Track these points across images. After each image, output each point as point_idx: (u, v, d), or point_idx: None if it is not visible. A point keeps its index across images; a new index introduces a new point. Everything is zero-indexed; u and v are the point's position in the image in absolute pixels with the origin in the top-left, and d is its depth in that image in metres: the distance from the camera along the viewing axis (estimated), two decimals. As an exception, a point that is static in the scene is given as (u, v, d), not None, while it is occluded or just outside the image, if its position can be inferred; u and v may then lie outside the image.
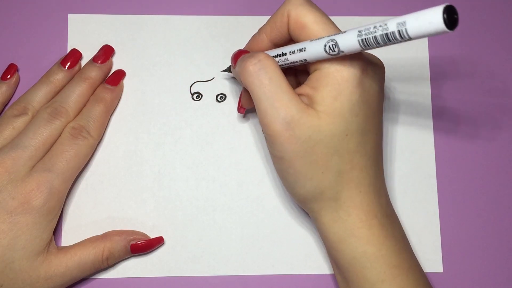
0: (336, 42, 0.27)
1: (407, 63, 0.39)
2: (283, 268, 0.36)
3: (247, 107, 0.36)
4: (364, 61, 0.30)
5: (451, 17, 0.23)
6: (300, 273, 0.36)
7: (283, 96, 0.29)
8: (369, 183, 0.31)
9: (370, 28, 0.26)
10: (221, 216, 0.37)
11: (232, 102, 0.38)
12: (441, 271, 0.37)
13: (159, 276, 0.36)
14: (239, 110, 0.37)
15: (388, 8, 0.40)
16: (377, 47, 0.26)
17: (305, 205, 0.32)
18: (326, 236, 0.32)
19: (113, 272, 0.36)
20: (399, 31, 0.24)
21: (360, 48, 0.27)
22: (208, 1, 0.40)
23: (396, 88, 0.39)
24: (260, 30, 0.33)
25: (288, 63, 0.31)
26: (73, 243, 0.35)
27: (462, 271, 0.37)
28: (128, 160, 0.37)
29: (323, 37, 0.28)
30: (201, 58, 0.39)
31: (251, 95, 0.30)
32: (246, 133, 0.38)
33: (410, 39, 0.24)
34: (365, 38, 0.26)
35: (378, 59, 0.33)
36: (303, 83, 0.31)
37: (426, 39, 0.40)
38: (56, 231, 0.36)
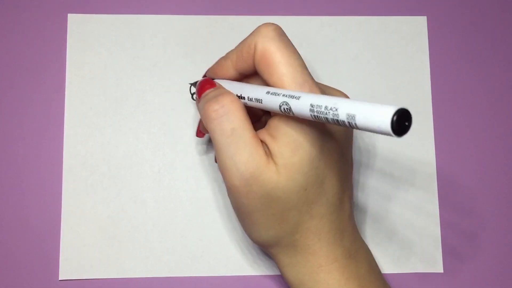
0: (290, 107, 0.25)
1: (407, 63, 0.39)
2: (283, 268, 0.36)
3: (207, 133, 0.34)
4: None
5: (401, 124, 0.21)
6: (300, 273, 0.36)
7: (245, 150, 0.27)
8: (328, 230, 0.30)
9: (321, 107, 0.24)
10: (221, 216, 0.37)
11: (232, 102, 0.38)
12: (441, 271, 0.37)
13: (159, 276, 0.36)
14: (197, 134, 0.35)
15: (388, 8, 0.40)
16: (328, 123, 0.25)
17: (263, 249, 0.32)
18: (287, 278, 0.31)
19: (113, 272, 0.36)
20: (348, 122, 0.23)
21: (311, 118, 0.25)
22: (208, 1, 0.40)
23: (396, 87, 0.39)
24: (226, 55, 0.31)
25: (246, 103, 0.29)
26: (72, 244, 0.35)
27: (462, 271, 0.37)
28: (128, 160, 0.37)
29: (279, 94, 0.26)
30: (201, 58, 0.39)
31: (212, 141, 0.29)
32: (246, 133, 0.38)
33: (357, 129, 0.23)
34: (316, 115, 0.24)
35: (340, 93, 0.31)
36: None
37: (426, 38, 0.40)
38: (55, 231, 0.36)
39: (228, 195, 0.30)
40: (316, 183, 0.28)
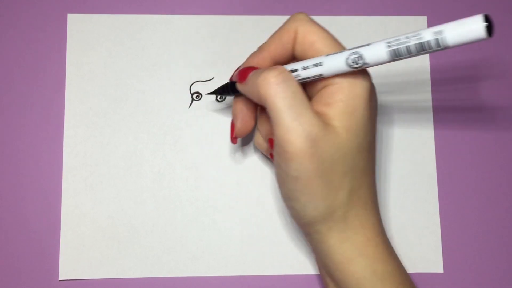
0: (361, 55, 0.27)
1: (408, 62, 0.39)
2: (283, 268, 0.36)
3: (243, 135, 0.34)
4: (370, 76, 0.30)
5: (490, 25, 0.24)
6: (300, 274, 0.36)
7: (308, 112, 0.28)
8: (373, 200, 0.31)
9: (400, 39, 0.26)
10: (221, 216, 0.37)
11: (232, 102, 0.38)
12: (442, 271, 0.37)
13: (159, 276, 0.36)
14: (232, 140, 0.35)
15: (388, 8, 0.40)
16: (406, 57, 0.26)
17: (312, 227, 0.31)
18: (331, 257, 0.30)
19: (113, 272, 0.36)
20: (436, 39, 0.25)
21: (388, 60, 0.27)
22: (208, 1, 0.40)
23: (396, 87, 0.39)
24: (260, 48, 0.32)
25: (299, 79, 0.30)
26: (72, 244, 0.35)
27: (462, 271, 0.37)
28: (128, 160, 0.37)
29: (343, 51, 0.28)
30: (201, 58, 0.39)
31: (269, 110, 0.29)
32: (246, 133, 0.38)
33: (447, 47, 0.25)
34: (396, 49, 0.26)
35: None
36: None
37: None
38: (55, 231, 0.36)
39: (286, 165, 0.29)
40: (367, 149, 0.30)
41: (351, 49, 0.28)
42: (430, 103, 0.39)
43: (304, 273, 0.36)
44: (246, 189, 0.37)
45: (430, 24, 0.40)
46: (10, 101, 0.38)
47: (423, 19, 0.40)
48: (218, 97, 0.38)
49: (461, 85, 0.39)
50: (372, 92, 0.30)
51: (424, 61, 0.39)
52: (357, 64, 0.27)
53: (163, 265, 0.36)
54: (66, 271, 0.36)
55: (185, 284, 0.36)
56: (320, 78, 0.29)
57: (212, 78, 0.38)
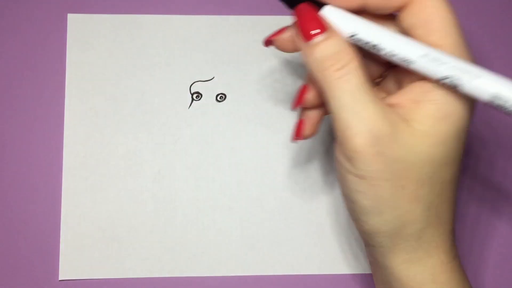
0: (460, 86, 0.23)
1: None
2: (283, 268, 0.36)
3: (308, 138, 0.29)
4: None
5: None
6: (300, 274, 0.36)
7: (375, 106, 0.24)
8: (451, 220, 0.27)
9: (508, 102, 0.21)
10: (221, 216, 0.37)
11: (232, 102, 0.38)
12: (441, 271, 0.37)
13: (159, 276, 0.36)
14: (297, 135, 0.30)
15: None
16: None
17: (375, 238, 0.26)
18: (398, 279, 0.26)
19: (113, 272, 0.36)
20: None
21: (484, 103, 0.23)
22: (208, 1, 0.40)
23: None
24: None
25: (379, 55, 0.25)
26: (72, 244, 0.35)
27: (462, 271, 0.37)
28: (128, 160, 0.37)
29: (447, 63, 0.23)
30: (201, 58, 0.39)
31: (327, 98, 0.25)
32: (246, 133, 0.38)
33: None
34: (497, 105, 0.22)
35: None
36: (388, 75, 0.26)
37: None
38: (54, 232, 0.36)
39: (347, 164, 0.25)
40: (455, 161, 0.25)
41: (457, 67, 0.23)
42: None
43: (304, 273, 0.36)
44: (246, 189, 0.37)
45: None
46: (10, 101, 0.38)
47: (423, 19, 0.40)
48: (218, 97, 0.38)
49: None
50: (472, 102, 0.25)
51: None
52: (452, 87, 0.23)
53: (163, 265, 0.36)
54: (66, 271, 0.36)
55: (185, 284, 0.36)
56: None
57: (212, 78, 0.38)
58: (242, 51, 0.38)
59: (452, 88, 0.23)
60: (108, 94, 0.38)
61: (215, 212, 0.37)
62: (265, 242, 0.37)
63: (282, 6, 0.40)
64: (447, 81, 0.23)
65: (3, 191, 0.37)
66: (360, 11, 0.26)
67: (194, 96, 0.38)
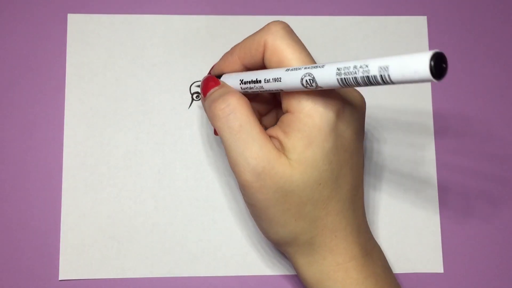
0: (314, 78, 0.25)
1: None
2: (282, 268, 0.36)
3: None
4: (340, 104, 0.28)
5: (439, 66, 0.21)
6: (300, 273, 0.36)
7: (254, 144, 0.28)
8: (345, 227, 0.30)
9: (350, 67, 0.24)
10: (221, 216, 0.37)
11: (232, 102, 0.38)
12: (442, 271, 0.37)
13: (159, 276, 0.36)
14: (215, 132, 0.34)
15: (388, 8, 0.40)
16: (357, 86, 0.24)
17: (280, 248, 0.32)
18: (304, 277, 0.31)
19: (113, 272, 0.36)
20: (381, 75, 0.22)
21: (338, 86, 0.25)
22: (208, 1, 0.40)
23: (396, 87, 0.39)
24: (232, 50, 0.31)
25: (263, 91, 0.29)
26: (72, 244, 0.35)
27: (462, 271, 0.37)
28: (128, 160, 0.37)
29: (300, 68, 0.26)
30: (201, 58, 0.39)
31: (221, 139, 0.29)
32: (246, 133, 0.38)
33: (392, 83, 0.22)
34: (344, 78, 0.24)
35: (358, 94, 0.31)
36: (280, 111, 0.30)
37: (426, 38, 0.40)
38: (54, 232, 0.36)
39: (242, 193, 0.30)
40: (331, 179, 0.29)
41: (308, 67, 0.26)
42: (430, 103, 0.39)
43: (304, 273, 0.36)
44: (246, 189, 0.37)
45: (430, 24, 0.40)
46: (10, 101, 0.38)
47: (423, 19, 0.40)
48: (194, 96, 0.38)
49: (461, 86, 0.39)
50: (337, 123, 0.28)
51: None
52: (311, 86, 0.26)
53: (163, 265, 0.36)
54: (66, 271, 0.36)
55: (185, 284, 0.36)
56: (286, 92, 0.28)
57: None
58: (242, 51, 0.38)
59: (310, 85, 0.26)
60: (108, 94, 0.38)
61: (215, 212, 0.37)
62: (265, 242, 0.37)
63: (282, 6, 0.40)
64: (305, 79, 0.26)
65: (3, 191, 0.37)
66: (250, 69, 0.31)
67: (194, 96, 0.38)
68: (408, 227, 0.37)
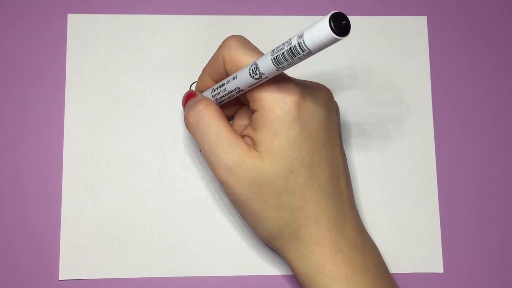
0: (257, 65, 0.28)
1: (407, 62, 0.39)
2: (283, 268, 0.36)
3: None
4: (299, 95, 0.29)
5: (339, 24, 0.23)
6: (300, 273, 0.36)
7: (223, 143, 0.30)
8: (328, 217, 0.31)
9: (279, 46, 0.26)
10: (221, 216, 0.37)
11: (232, 102, 0.38)
12: (442, 271, 0.37)
13: (159, 276, 0.36)
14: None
15: (388, 8, 0.40)
16: (288, 65, 0.26)
17: (270, 243, 0.33)
18: (297, 274, 0.32)
19: (113, 272, 0.36)
20: (299, 43, 0.24)
21: (275, 68, 0.27)
22: (208, 1, 0.40)
23: (396, 87, 0.39)
24: (203, 71, 0.34)
25: (228, 94, 0.31)
26: (72, 244, 0.35)
27: (462, 271, 0.37)
28: (128, 160, 0.37)
29: (248, 65, 0.29)
30: (201, 58, 0.39)
31: (197, 143, 0.31)
32: (246, 133, 0.38)
33: (310, 51, 0.24)
34: (276, 56, 0.26)
35: (322, 86, 0.32)
36: None
37: (426, 38, 0.40)
38: (54, 232, 0.36)
39: (224, 192, 0.31)
40: (303, 167, 0.30)
41: (254, 62, 0.28)
42: (430, 103, 0.39)
43: (304, 273, 0.36)
44: (246, 189, 0.37)
45: (430, 24, 0.40)
46: (10, 101, 0.38)
47: (423, 19, 0.40)
48: None
49: (461, 85, 0.39)
50: (299, 112, 0.29)
51: (424, 60, 0.39)
52: (257, 74, 0.28)
53: (163, 265, 0.36)
54: (66, 271, 0.36)
55: (185, 284, 0.36)
56: (244, 91, 0.30)
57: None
58: (242, 51, 0.38)
59: (256, 74, 0.28)
60: (108, 94, 0.38)
61: (215, 212, 0.37)
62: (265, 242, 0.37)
63: (282, 7, 0.40)
64: (251, 68, 0.28)
65: (3, 191, 0.37)
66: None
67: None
68: (408, 227, 0.37)
